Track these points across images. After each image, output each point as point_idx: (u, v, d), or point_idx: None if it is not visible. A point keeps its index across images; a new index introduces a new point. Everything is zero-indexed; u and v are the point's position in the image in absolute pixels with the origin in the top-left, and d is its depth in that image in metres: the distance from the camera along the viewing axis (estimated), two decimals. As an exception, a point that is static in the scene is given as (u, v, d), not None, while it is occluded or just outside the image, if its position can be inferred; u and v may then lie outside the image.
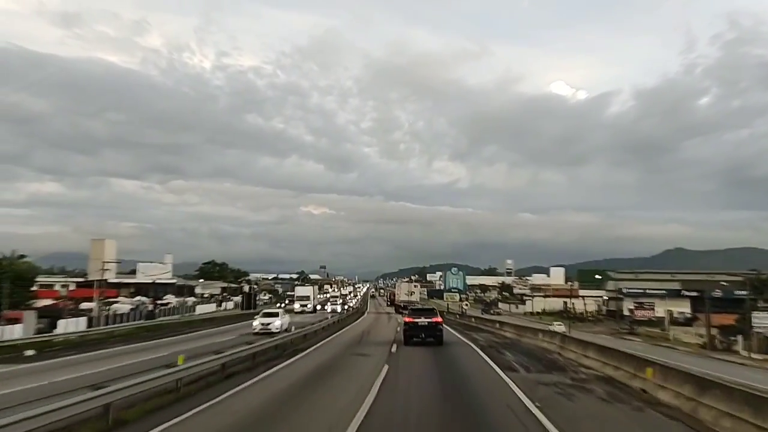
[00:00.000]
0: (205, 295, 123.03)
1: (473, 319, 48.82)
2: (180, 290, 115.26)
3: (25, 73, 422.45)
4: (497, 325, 36.16)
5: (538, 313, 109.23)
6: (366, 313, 76.09)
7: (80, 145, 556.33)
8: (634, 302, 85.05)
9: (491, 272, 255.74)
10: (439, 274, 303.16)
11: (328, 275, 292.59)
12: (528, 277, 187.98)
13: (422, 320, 26.58)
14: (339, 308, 71.23)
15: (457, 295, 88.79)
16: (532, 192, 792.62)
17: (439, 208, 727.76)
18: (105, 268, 62.44)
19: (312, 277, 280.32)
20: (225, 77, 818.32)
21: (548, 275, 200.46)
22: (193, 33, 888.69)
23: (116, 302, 78.52)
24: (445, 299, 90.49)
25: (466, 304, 58.36)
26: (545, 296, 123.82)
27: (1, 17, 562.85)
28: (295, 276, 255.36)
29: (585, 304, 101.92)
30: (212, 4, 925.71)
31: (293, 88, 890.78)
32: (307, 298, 75.37)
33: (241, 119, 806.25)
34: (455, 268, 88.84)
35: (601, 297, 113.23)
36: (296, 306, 71.41)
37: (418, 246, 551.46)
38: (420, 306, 35.92)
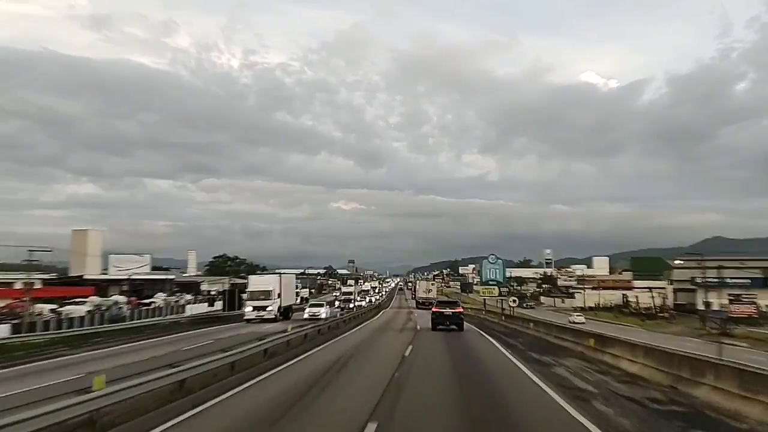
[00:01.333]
0: (212, 293, 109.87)
1: (531, 326, 31.44)
2: (186, 287, 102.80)
3: (58, 77, 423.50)
4: (590, 342, 19.15)
5: (591, 308, 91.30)
6: (381, 313, 60.61)
7: (114, 146, 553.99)
8: (729, 294, 66.51)
9: (525, 264, 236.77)
10: (471, 266, 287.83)
11: (356, 270, 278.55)
12: (569, 268, 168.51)
13: (447, 311, 32.00)
14: (324, 313, 45.57)
15: (496, 288, 72.04)
16: (564, 183, 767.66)
17: (470, 201, 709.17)
18: (33, 259, 47.87)
19: (340, 271, 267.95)
20: (253, 75, 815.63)
21: (588, 266, 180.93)
22: (221, 32, 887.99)
23: (82, 303, 64.57)
24: (480, 293, 73.83)
25: (514, 300, 40.69)
26: (598, 288, 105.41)
27: (33, 22, 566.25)
28: (322, 271, 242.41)
29: (653, 297, 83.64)
30: (238, 2, 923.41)
31: (321, 85, 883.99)
32: (267, 295, 42.88)
33: (270, 117, 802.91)
34: (493, 256, 71.94)
35: (662, 288, 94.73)
36: (247, 309, 42.98)
37: (450, 239, 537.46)
38: (446, 299, 41.62)
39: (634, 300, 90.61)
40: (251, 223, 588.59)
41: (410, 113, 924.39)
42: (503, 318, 41.31)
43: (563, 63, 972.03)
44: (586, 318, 77.05)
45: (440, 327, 30.64)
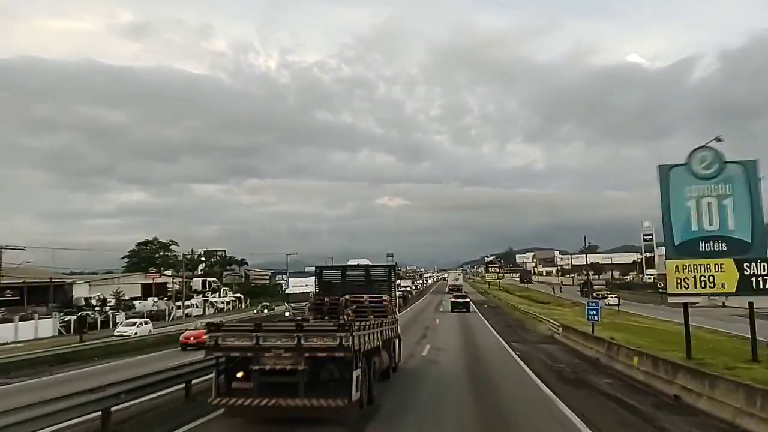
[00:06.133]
0: (93, 301, 61.15)
1: None
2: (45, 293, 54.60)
3: (103, 87, 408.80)
4: None
5: None
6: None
7: (161, 153, 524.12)
8: None
9: (591, 250, 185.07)
10: (530, 254, 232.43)
11: (396, 265, 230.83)
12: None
13: (460, 300, 52.85)
14: None
15: (730, 262, 17.02)
16: (614, 169, 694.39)
17: (517, 191, 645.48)
18: None
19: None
20: (291, 75, 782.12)
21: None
22: (256, 33, 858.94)
23: None
24: (670, 282, 19.70)
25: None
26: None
27: (80, 38, 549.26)
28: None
29: None
30: (271, 2, 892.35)
31: (359, 81, 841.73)
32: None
33: (310, 116, 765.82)
34: (709, 153, 17.90)
35: None
36: None
37: (500, 231, 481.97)
38: (462, 293, 62.04)
39: None
40: (298, 224, 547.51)
41: (451, 105, 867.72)
42: None
43: (607, 45, 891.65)
44: None
45: (456, 310, 50.25)
